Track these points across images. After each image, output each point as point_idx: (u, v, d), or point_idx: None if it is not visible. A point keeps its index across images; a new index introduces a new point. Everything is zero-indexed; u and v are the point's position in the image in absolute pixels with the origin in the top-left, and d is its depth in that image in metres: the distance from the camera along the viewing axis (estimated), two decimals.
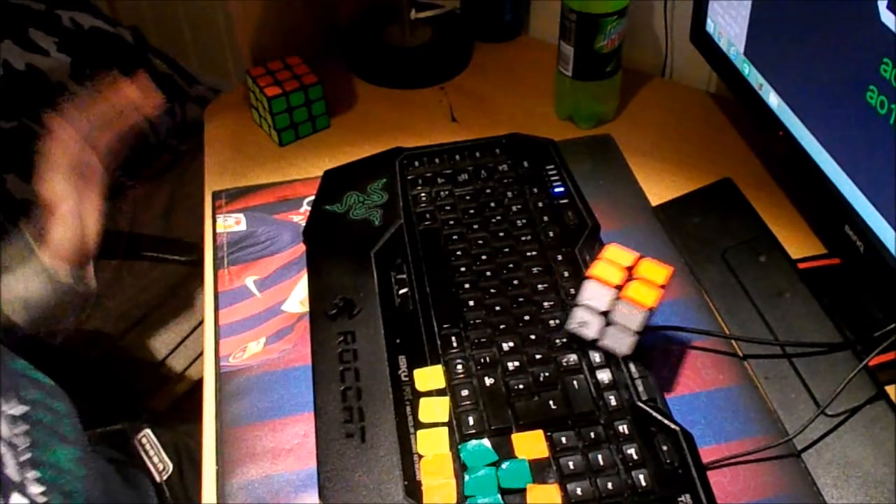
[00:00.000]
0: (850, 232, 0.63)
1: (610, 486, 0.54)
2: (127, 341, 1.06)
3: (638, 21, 0.92)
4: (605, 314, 0.59)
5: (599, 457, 0.56)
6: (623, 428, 0.57)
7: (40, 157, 0.69)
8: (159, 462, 0.78)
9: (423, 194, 0.77)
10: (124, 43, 1.23)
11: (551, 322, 0.64)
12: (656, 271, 0.60)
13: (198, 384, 1.07)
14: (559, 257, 0.70)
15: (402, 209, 0.76)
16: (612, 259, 0.61)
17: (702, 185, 0.79)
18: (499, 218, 0.74)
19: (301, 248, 0.75)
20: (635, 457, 0.56)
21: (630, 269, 0.61)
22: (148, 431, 0.81)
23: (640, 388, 0.59)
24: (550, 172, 0.79)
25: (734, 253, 0.71)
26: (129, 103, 0.72)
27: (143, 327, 1.07)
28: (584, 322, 0.59)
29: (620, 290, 0.59)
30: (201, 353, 1.08)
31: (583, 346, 0.61)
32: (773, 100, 0.71)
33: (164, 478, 0.77)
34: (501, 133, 0.84)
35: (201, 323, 1.08)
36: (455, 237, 0.72)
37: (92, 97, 0.71)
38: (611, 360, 0.61)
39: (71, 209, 0.70)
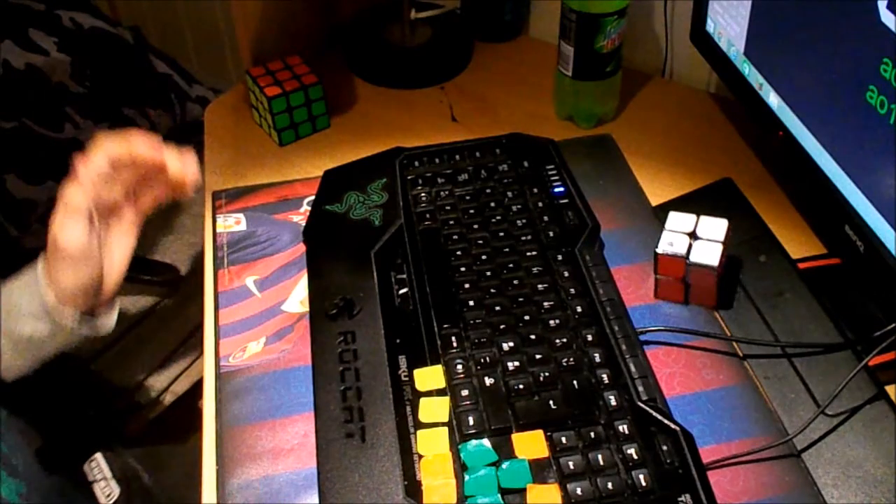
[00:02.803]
0: (850, 232, 0.63)
1: (610, 486, 0.54)
2: (111, 355, 1.05)
3: (638, 21, 0.92)
4: (689, 235, 0.66)
5: (599, 457, 0.56)
6: (623, 428, 0.57)
7: (59, 198, 0.63)
8: (106, 487, 0.77)
9: (423, 194, 0.77)
10: (124, 43, 1.23)
11: (551, 322, 0.64)
12: None
13: (172, 406, 1.06)
14: (559, 257, 0.70)
15: (402, 209, 0.76)
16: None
17: (702, 185, 0.79)
18: (499, 218, 0.74)
19: (301, 248, 0.75)
20: (635, 457, 0.55)
21: None
22: (98, 456, 0.79)
23: (640, 388, 0.60)
24: (550, 172, 0.79)
25: (734, 253, 0.71)
26: (157, 158, 0.65)
27: (127, 343, 1.06)
28: (672, 242, 0.66)
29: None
30: (181, 374, 1.07)
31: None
32: (773, 100, 0.71)
33: (110, 503, 0.77)
34: (501, 133, 0.84)
35: (190, 336, 1.08)
36: (455, 237, 0.72)
37: (117, 135, 0.63)
38: (611, 359, 0.61)
39: (84, 253, 0.64)
